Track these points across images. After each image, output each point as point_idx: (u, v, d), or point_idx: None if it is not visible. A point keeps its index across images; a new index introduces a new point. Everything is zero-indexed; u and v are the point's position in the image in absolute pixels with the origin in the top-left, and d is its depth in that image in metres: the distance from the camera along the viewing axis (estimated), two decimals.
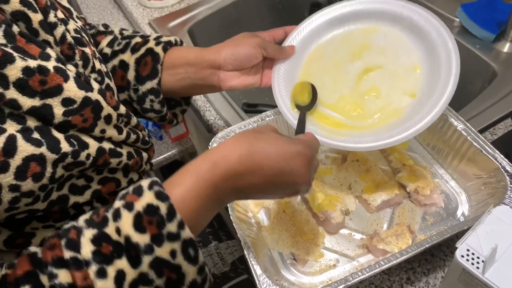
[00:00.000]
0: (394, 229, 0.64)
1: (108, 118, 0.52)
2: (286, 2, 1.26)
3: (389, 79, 0.66)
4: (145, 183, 0.44)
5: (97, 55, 0.58)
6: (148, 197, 0.42)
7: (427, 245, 0.55)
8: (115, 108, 0.53)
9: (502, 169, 0.62)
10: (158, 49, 0.65)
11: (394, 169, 0.74)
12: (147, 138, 0.63)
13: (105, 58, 0.66)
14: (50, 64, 0.45)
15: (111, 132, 0.53)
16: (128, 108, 0.68)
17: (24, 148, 0.42)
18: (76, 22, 0.58)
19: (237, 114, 0.87)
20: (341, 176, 0.73)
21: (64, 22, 0.53)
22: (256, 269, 0.56)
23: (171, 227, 0.41)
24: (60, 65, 0.47)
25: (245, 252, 0.57)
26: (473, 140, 0.66)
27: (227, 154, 0.46)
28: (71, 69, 0.48)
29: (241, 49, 0.63)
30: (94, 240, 0.41)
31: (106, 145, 0.52)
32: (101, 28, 0.71)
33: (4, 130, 0.41)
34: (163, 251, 0.41)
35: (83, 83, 0.49)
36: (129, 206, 0.42)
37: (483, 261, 0.47)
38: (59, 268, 0.40)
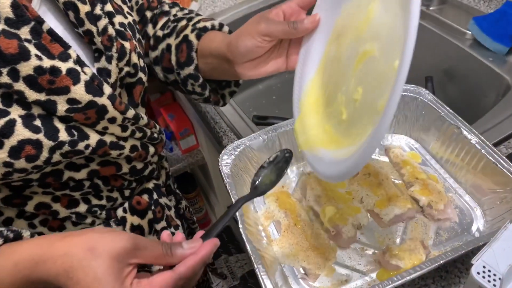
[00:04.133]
0: (407, 244, 0.63)
1: (112, 120, 0.53)
2: None
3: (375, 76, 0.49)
4: None
5: (138, 49, 0.60)
6: None
7: (441, 261, 0.54)
8: (123, 112, 0.54)
9: None
10: (192, 37, 0.65)
11: (406, 183, 0.72)
12: (155, 135, 0.63)
13: (157, 40, 0.70)
14: (65, 66, 0.47)
15: (114, 129, 0.54)
16: (178, 88, 0.72)
17: (21, 133, 0.45)
18: (126, 17, 0.61)
19: (247, 126, 0.87)
20: (352, 189, 0.73)
21: (110, 15, 0.56)
22: (267, 284, 0.55)
23: None
24: (76, 67, 0.49)
25: (255, 266, 0.56)
26: (487, 154, 0.65)
27: (49, 263, 0.41)
28: (87, 72, 0.50)
29: (241, 42, 0.57)
30: None
31: (108, 138, 0.54)
32: (166, 8, 0.73)
33: (7, 113, 0.44)
34: None
35: (94, 87, 0.50)
36: None
37: (499, 278, 0.46)
38: None
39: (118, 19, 0.57)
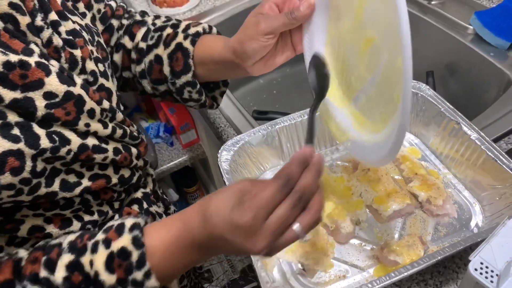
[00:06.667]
0: (405, 239, 0.63)
1: (91, 112, 0.52)
2: None
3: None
4: (128, 223, 0.47)
5: (94, 55, 0.58)
6: (125, 240, 0.45)
7: (439, 257, 0.54)
8: (98, 102, 0.54)
9: None
10: (187, 44, 0.65)
11: (405, 178, 0.72)
12: (135, 134, 0.62)
13: (141, 53, 0.68)
14: (32, 59, 0.46)
15: (95, 126, 0.53)
16: (169, 98, 0.70)
17: (0, 144, 0.43)
18: (83, 18, 0.59)
19: (247, 122, 0.87)
20: (351, 185, 0.72)
21: (55, 24, 0.53)
22: (265, 280, 0.55)
23: (138, 275, 0.44)
24: (42, 60, 0.47)
25: (253, 262, 0.57)
26: (487, 150, 0.65)
27: (192, 220, 0.46)
28: (54, 65, 0.49)
29: (247, 47, 0.57)
30: (69, 267, 0.45)
31: (90, 141, 0.53)
32: (137, 18, 0.72)
33: None
34: None
35: (65, 78, 0.49)
36: (107, 243, 0.45)
37: (497, 274, 0.46)
38: (33, 284, 0.44)
39: (67, 26, 0.55)
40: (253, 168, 0.76)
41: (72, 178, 0.52)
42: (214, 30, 0.69)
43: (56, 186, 0.50)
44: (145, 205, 0.66)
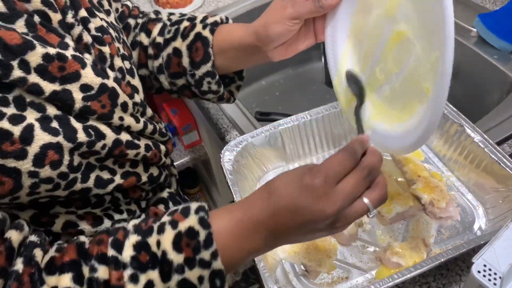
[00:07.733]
0: (408, 242, 0.63)
1: (124, 106, 0.53)
2: None
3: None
4: (194, 206, 0.46)
5: (121, 52, 0.59)
6: (192, 221, 0.44)
7: (442, 259, 0.54)
8: (130, 96, 0.55)
9: None
10: (206, 33, 0.65)
11: (408, 181, 0.72)
12: (164, 130, 0.64)
13: (158, 47, 0.68)
14: (68, 52, 0.47)
15: (129, 120, 0.54)
16: (187, 93, 0.71)
17: (41, 137, 0.44)
18: (108, 15, 0.60)
19: (250, 123, 0.87)
20: None
21: (85, 21, 0.54)
22: (267, 281, 0.55)
23: (205, 254, 0.43)
24: (77, 53, 0.49)
25: (256, 262, 0.57)
26: (490, 152, 0.65)
27: (256, 200, 0.46)
28: (88, 58, 0.50)
29: (271, 31, 0.58)
30: (136, 246, 0.44)
31: (124, 137, 0.54)
32: (152, 16, 0.73)
33: (24, 118, 0.43)
34: (192, 275, 0.43)
35: (99, 70, 0.50)
36: (174, 224, 0.45)
37: (500, 277, 0.46)
38: (101, 263, 0.43)
39: (95, 23, 0.56)
40: (256, 169, 0.76)
41: (105, 175, 0.53)
42: (231, 21, 0.69)
43: (90, 183, 0.51)
44: (170, 205, 0.67)
